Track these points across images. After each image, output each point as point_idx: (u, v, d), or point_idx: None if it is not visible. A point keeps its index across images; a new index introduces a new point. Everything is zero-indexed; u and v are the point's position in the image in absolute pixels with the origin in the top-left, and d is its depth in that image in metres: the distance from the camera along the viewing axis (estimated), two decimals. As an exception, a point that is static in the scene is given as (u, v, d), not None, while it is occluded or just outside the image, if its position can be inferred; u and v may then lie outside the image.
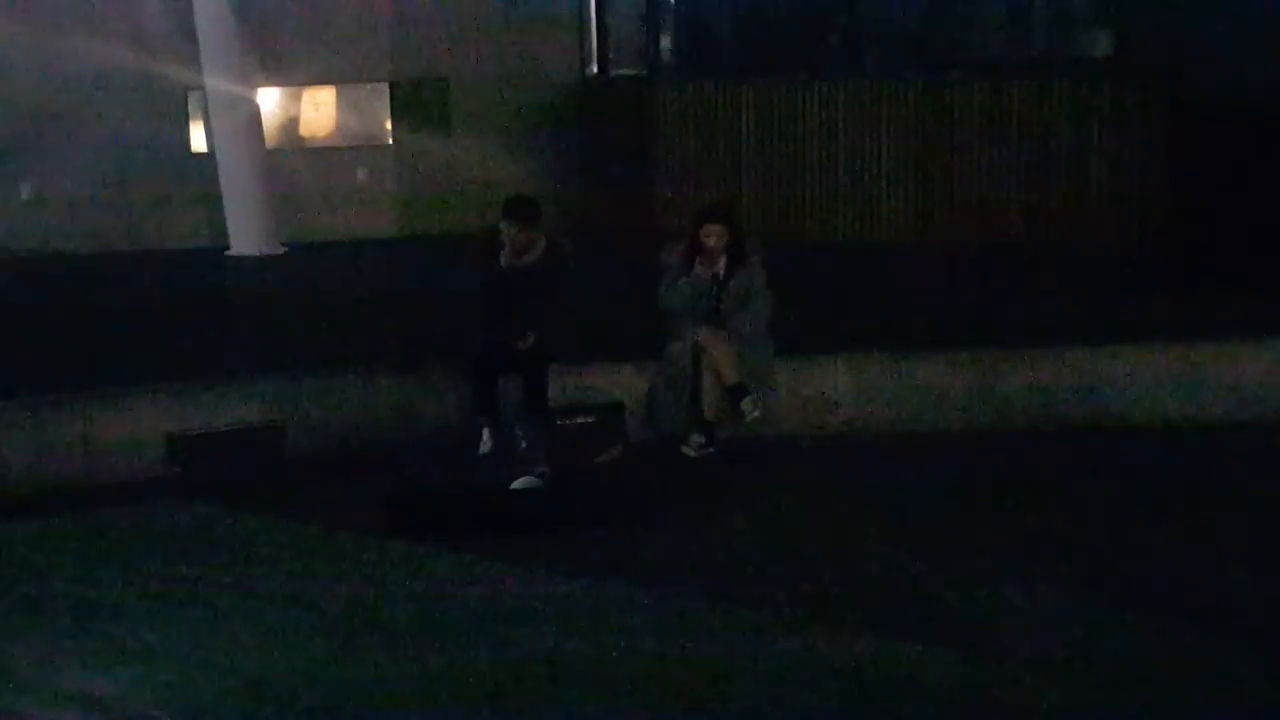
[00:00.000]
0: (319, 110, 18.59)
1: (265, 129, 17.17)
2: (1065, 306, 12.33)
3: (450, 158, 18.13)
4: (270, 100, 17.77)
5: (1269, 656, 6.51)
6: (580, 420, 9.88)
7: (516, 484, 8.95)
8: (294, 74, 17.78)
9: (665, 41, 19.06)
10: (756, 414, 10.16)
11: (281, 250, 16.65)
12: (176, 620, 6.98)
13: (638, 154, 18.08)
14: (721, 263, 10.32)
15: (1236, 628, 6.86)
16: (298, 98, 18.40)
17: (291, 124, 18.45)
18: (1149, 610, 7.07)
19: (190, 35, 16.44)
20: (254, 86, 16.74)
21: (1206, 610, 7.09)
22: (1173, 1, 15.05)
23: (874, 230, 16.44)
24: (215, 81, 16.48)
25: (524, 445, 9.92)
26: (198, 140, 17.61)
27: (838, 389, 10.70)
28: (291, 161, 17.79)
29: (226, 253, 16.64)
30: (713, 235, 10.30)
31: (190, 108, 17.54)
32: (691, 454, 10.12)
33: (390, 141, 18.42)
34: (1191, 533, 8.24)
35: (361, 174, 18.15)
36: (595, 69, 19.08)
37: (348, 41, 17.76)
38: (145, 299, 14.11)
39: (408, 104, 18.33)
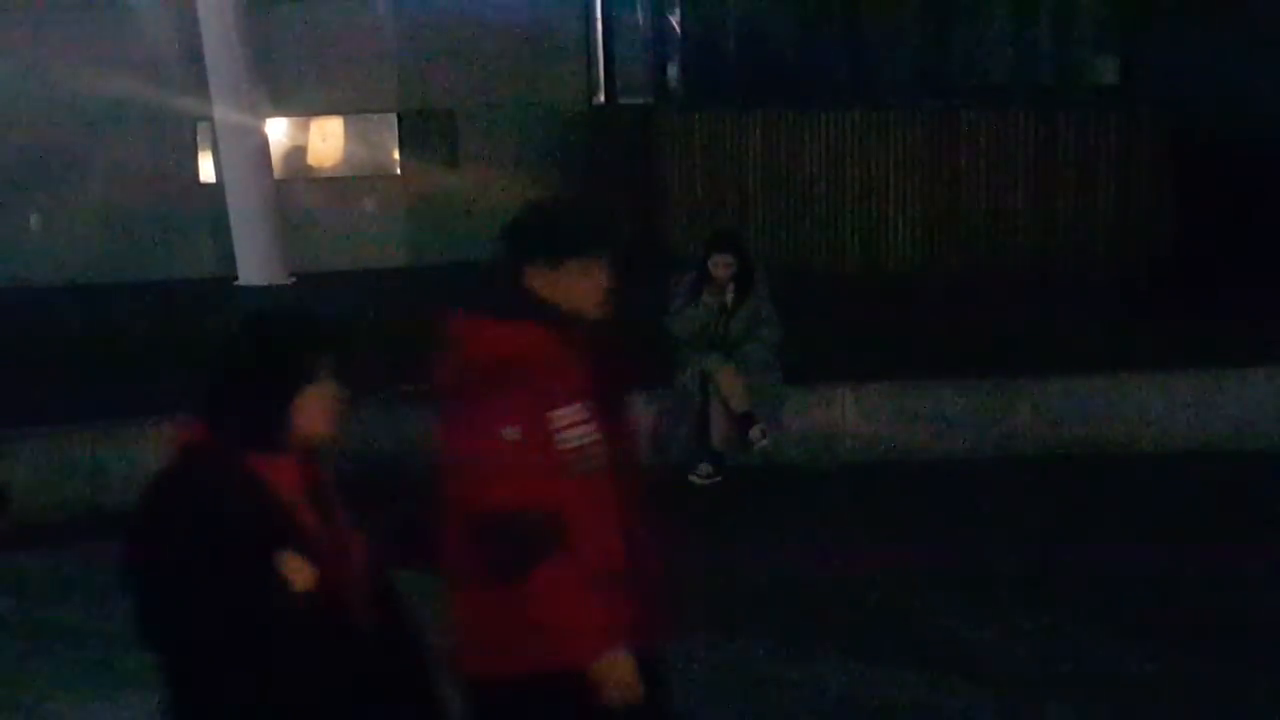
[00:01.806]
0: (327, 140, 18.64)
1: (274, 159, 17.22)
2: (1073, 334, 12.32)
3: (458, 187, 18.16)
4: (279, 130, 17.83)
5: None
6: (588, 449, 9.83)
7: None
8: (302, 104, 17.83)
9: (672, 70, 19.11)
10: (764, 443, 10.15)
11: (290, 280, 16.67)
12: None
13: (645, 183, 18.10)
14: (729, 291, 10.33)
15: (1252, 651, 6.84)
16: (306, 128, 18.45)
17: (300, 154, 18.50)
18: (1160, 635, 7.06)
19: (199, 66, 16.50)
20: (262, 117, 16.78)
21: (1220, 636, 7.07)
22: (1179, 30, 15.08)
23: (882, 259, 16.45)
24: (224, 112, 16.53)
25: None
26: (206, 170, 17.66)
27: (846, 418, 10.70)
28: (300, 191, 17.83)
29: (235, 283, 16.67)
30: (720, 264, 10.30)
31: (199, 138, 17.60)
32: (699, 482, 10.12)
33: (398, 171, 18.47)
34: (1204, 559, 8.22)
35: (369, 204, 18.18)
36: (602, 98, 19.13)
37: (356, 72, 17.81)
38: (154, 329, 14.13)
39: (415, 134, 18.38)
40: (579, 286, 4.15)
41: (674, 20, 18.99)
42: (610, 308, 4.22)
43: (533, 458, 3.98)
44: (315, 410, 3.87)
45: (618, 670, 4.03)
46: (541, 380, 4.02)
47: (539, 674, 4.04)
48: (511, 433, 4.00)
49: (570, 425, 4.03)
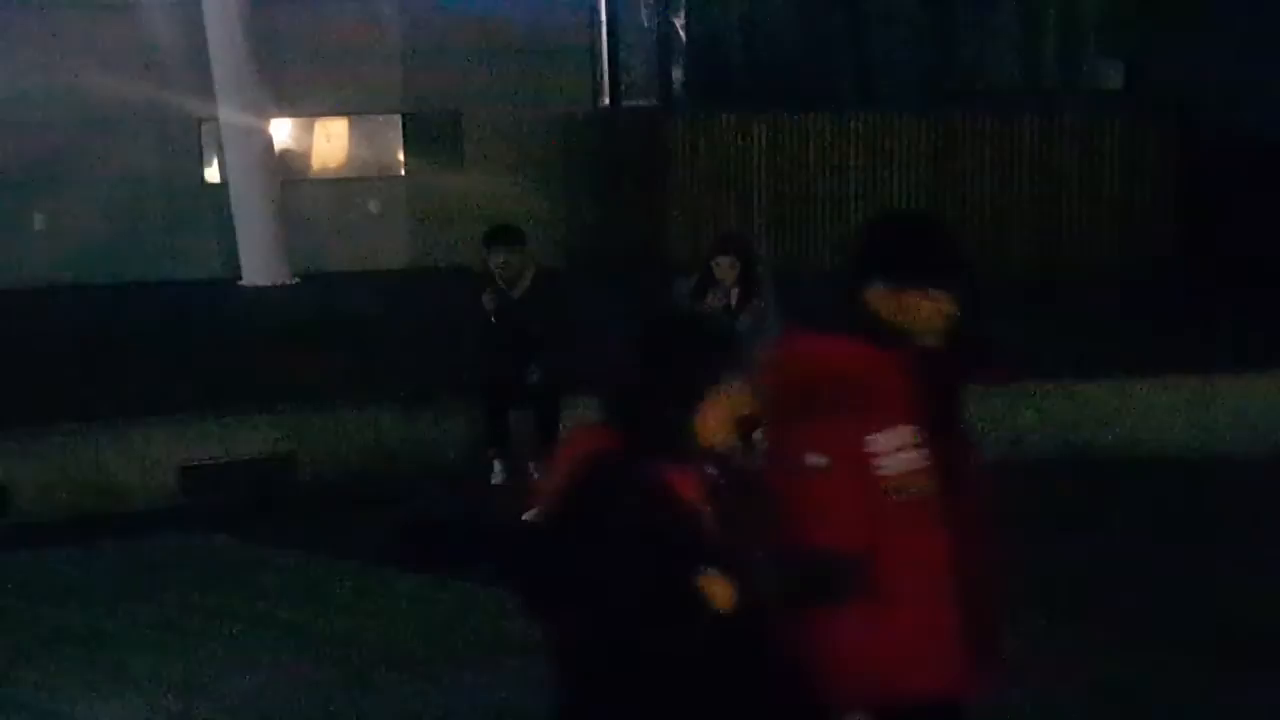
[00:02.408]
0: (332, 141, 18.65)
1: (278, 160, 17.23)
2: (1076, 338, 12.32)
3: (462, 189, 18.16)
4: (283, 131, 17.84)
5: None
6: (591, 452, 9.84)
7: (528, 515, 8.95)
8: (307, 105, 17.84)
9: (677, 74, 19.13)
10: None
11: (294, 281, 16.68)
12: (187, 650, 7.00)
13: (649, 185, 18.11)
14: (733, 293, 10.32)
15: (1251, 655, 6.85)
16: (310, 129, 18.47)
17: (304, 155, 18.52)
18: (1160, 635, 7.06)
19: (204, 67, 16.51)
20: (267, 118, 16.80)
21: (1226, 641, 7.08)
22: (1182, 34, 15.09)
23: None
24: (228, 113, 16.55)
25: (536, 476, 9.92)
26: (211, 171, 17.68)
27: (849, 420, 10.68)
28: (304, 192, 17.85)
29: (239, 283, 16.68)
30: (724, 266, 10.30)
31: (203, 139, 17.61)
32: (702, 485, 10.10)
33: (403, 172, 18.48)
34: (1208, 563, 8.22)
35: (374, 205, 18.19)
36: (607, 101, 19.14)
37: (360, 73, 17.82)
38: (158, 329, 14.15)
39: (420, 135, 18.39)
40: (921, 310, 3.83)
41: (679, 24, 19.01)
42: (952, 332, 3.89)
43: (838, 488, 3.69)
44: (716, 418, 3.71)
45: None
46: (861, 402, 3.73)
47: (812, 706, 3.77)
48: (817, 460, 3.75)
49: (891, 451, 3.72)
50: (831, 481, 3.71)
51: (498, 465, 10.11)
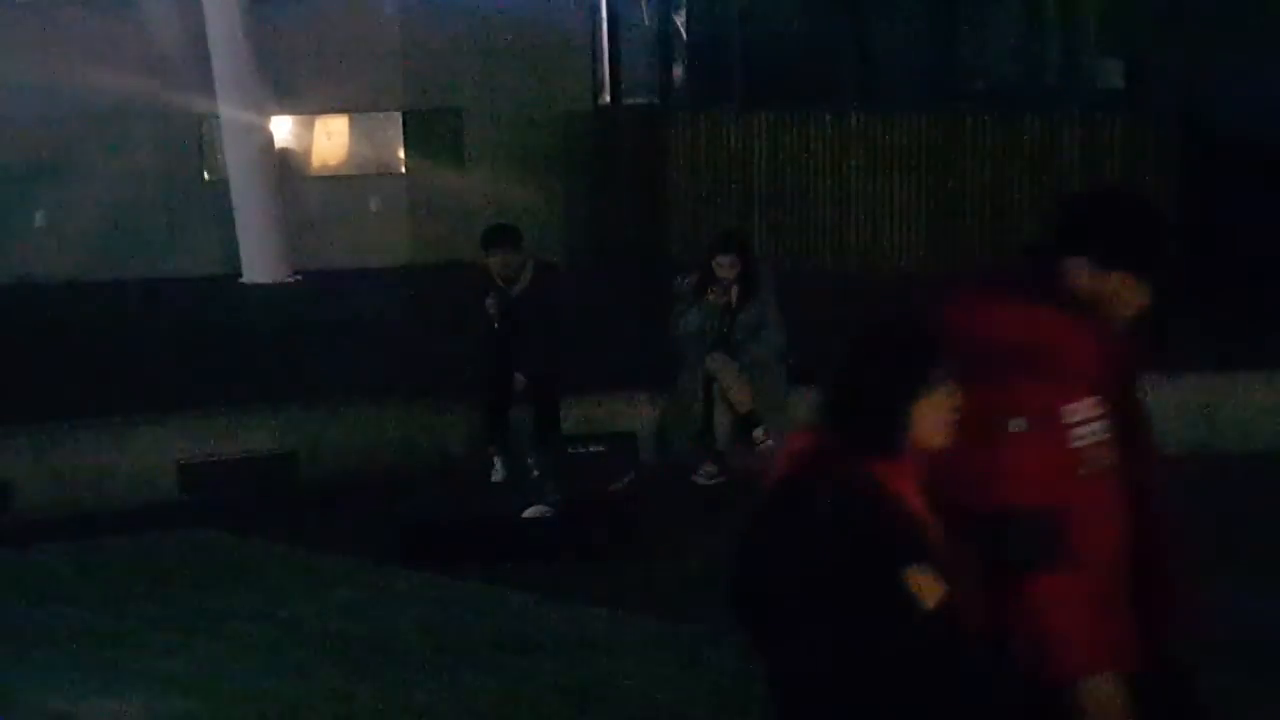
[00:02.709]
0: (332, 139, 18.64)
1: (279, 157, 17.23)
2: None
3: (463, 186, 18.16)
4: (284, 129, 17.83)
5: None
6: (591, 449, 9.90)
7: (528, 513, 8.96)
8: (308, 103, 17.83)
9: (677, 71, 19.12)
10: (769, 443, 10.15)
11: (294, 278, 16.68)
12: (187, 648, 6.99)
13: (650, 183, 18.11)
14: (734, 292, 10.33)
15: (1254, 654, 6.84)
16: (311, 126, 18.46)
17: (305, 152, 18.51)
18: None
19: (205, 64, 16.51)
20: (268, 115, 16.80)
21: (1221, 637, 7.06)
22: (1184, 34, 15.09)
23: (886, 260, 16.45)
24: (229, 110, 16.55)
25: (535, 474, 9.93)
26: (211, 168, 17.67)
27: (849, 419, 10.68)
28: (305, 190, 17.84)
29: (239, 280, 16.68)
30: (724, 265, 10.31)
31: (204, 136, 17.61)
32: (703, 483, 10.12)
33: (403, 170, 18.48)
34: (1207, 563, 8.20)
35: (374, 202, 18.19)
36: (608, 98, 19.14)
37: (361, 70, 17.81)
38: (158, 327, 14.15)
39: (420, 133, 18.39)
40: (1120, 294, 3.84)
41: (679, 21, 19.00)
42: (1144, 317, 3.91)
43: (1040, 452, 3.69)
44: (933, 419, 3.64)
45: (1105, 694, 3.71)
46: (1060, 371, 3.73)
47: (1031, 690, 3.71)
48: (1019, 424, 3.71)
49: (1083, 421, 3.72)
50: (1032, 446, 3.69)
51: (498, 463, 10.12)
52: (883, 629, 3.54)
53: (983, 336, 3.78)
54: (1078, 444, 3.71)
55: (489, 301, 10.03)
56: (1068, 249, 3.86)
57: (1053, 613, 3.67)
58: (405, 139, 18.40)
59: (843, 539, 3.53)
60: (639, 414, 10.51)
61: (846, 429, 3.63)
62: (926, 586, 3.53)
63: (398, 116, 18.34)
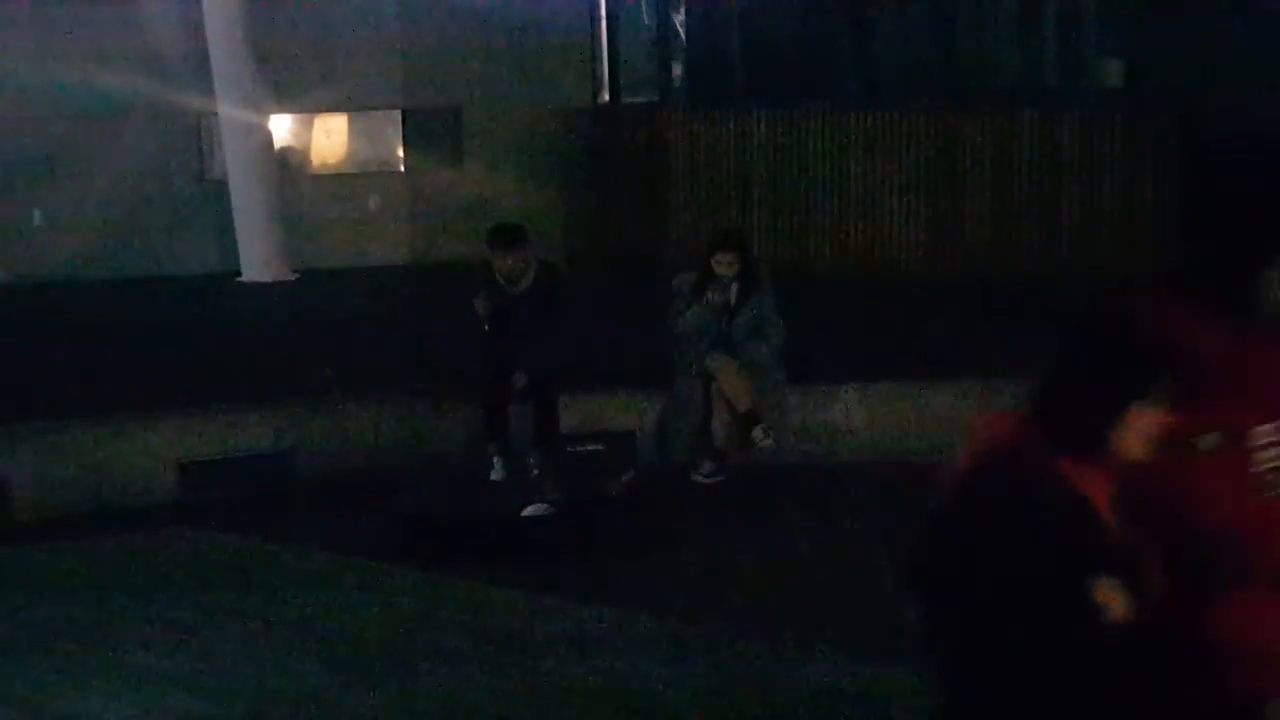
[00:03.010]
0: (331, 137, 18.64)
1: (278, 156, 17.22)
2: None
3: (462, 185, 18.17)
4: (283, 127, 17.83)
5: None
6: (591, 448, 9.88)
7: (527, 511, 8.95)
8: (307, 101, 17.83)
9: (676, 70, 19.14)
10: (768, 442, 10.15)
11: (293, 276, 16.68)
12: (185, 647, 6.99)
13: (649, 181, 18.11)
14: (733, 291, 10.32)
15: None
16: (310, 124, 18.45)
17: (304, 151, 18.50)
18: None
19: (204, 63, 16.50)
20: (267, 113, 16.79)
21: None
22: (1183, 33, 15.09)
23: (885, 259, 16.45)
24: (228, 108, 16.54)
25: (535, 472, 9.92)
26: (210, 167, 17.67)
27: (849, 417, 10.70)
28: (304, 188, 17.84)
29: (238, 279, 16.68)
30: (724, 263, 10.30)
31: (203, 134, 17.60)
32: (702, 482, 10.12)
33: (402, 168, 18.47)
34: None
35: (373, 201, 18.19)
36: (607, 97, 19.14)
37: (360, 68, 17.80)
38: (157, 325, 14.14)
39: (420, 131, 18.38)
40: None
41: (679, 20, 19.01)
42: None
43: (1228, 472, 3.56)
44: (1142, 431, 3.52)
45: None
46: (1254, 391, 3.57)
47: (1217, 705, 3.63)
48: (1210, 441, 3.58)
49: (1269, 444, 3.59)
50: (1222, 466, 3.59)
51: (497, 461, 10.11)
52: (1068, 634, 3.47)
53: (1186, 349, 3.62)
54: (1263, 467, 3.60)
55: (477, 301, 10.03)
56: (1265, 259, 3.59)
57: (1250, 631, 3.59)
58: (405, 137, 18.40)
59: (1036, 541, 3.46)
60: (639, 413, 10.51)
61: (1052, 423, 3.54)
62: (1114, 598, 3.46)
63: (397, 115, 18.34)
